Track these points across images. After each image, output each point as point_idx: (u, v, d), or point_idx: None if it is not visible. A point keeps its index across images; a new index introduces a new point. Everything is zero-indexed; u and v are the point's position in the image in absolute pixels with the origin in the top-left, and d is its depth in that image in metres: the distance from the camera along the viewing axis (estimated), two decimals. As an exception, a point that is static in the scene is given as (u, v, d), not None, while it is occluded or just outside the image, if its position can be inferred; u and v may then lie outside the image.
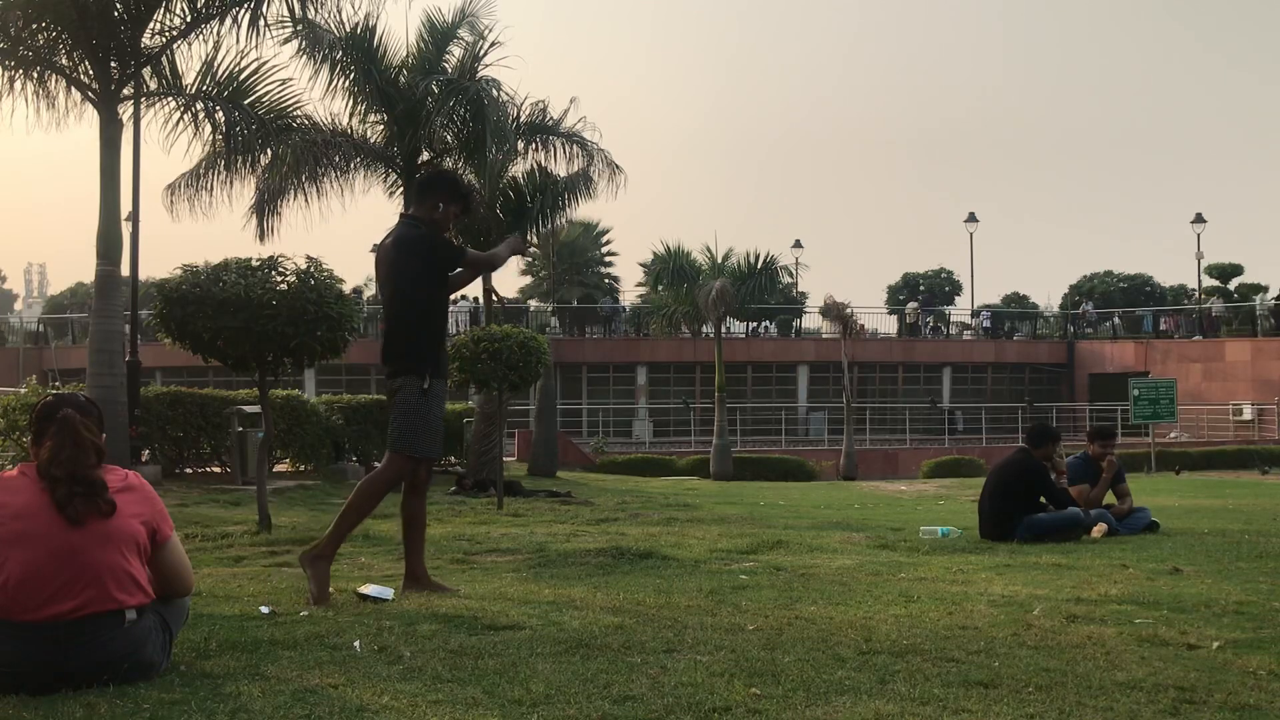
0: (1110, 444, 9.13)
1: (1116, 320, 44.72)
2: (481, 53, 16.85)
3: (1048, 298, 57.52)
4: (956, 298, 53.51)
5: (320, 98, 17.31)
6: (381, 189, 17.60)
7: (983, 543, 8.01)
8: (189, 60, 12.69)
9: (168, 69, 12.67)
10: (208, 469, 15.78)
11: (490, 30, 16.94)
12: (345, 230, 34.78)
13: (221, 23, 12.17)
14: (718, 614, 4.81)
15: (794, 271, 38.71)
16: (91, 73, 12.06)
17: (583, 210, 37.07)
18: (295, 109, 13.84)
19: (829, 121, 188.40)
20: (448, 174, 6.09)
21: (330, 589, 5.20)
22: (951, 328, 45.56)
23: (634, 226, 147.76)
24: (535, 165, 19.03)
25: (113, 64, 12.04)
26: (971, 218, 45.97)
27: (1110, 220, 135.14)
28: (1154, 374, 34.47)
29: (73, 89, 12.35)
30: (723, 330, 28.51)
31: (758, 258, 27.07)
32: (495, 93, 16.07)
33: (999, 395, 39.60)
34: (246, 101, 12.87)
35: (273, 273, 8.77)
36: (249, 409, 14.23)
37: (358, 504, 5.36)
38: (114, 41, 11.99)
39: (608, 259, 55.62)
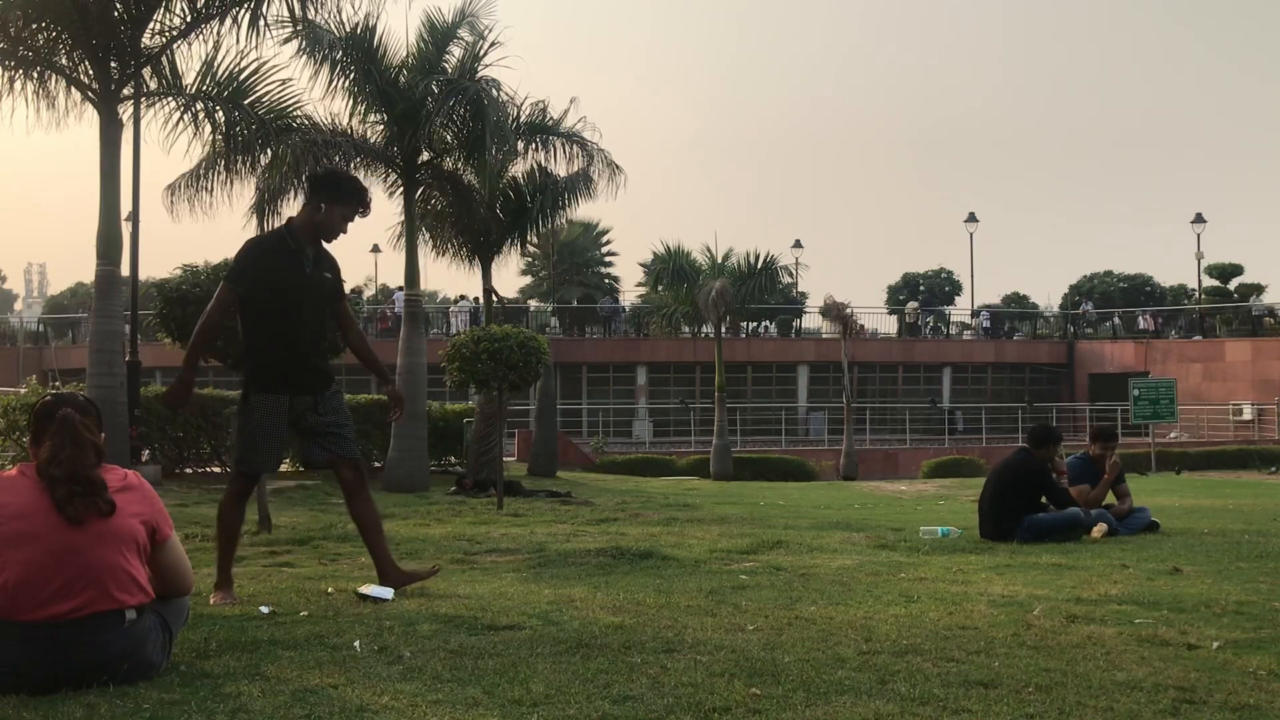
0: (1111, 445, 9.12)
1: (1116, 320, 44.73)
2: (481, 53, 16.84)
3: (1048, 298, 57.62)
4: (956, 298, 53.57)
5: (320, 98, 17.31)
6: (381, 189, 17.59)
7: (983, 543, 8.01)
8: (189, 60, 12.71)
9: (168, 69, 12.67)
10: (208, 469, 15.79)
11: (490, 30, 16.93)
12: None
13: (221, 23, 12.17)
14: (718, 614, 4.81)
15: (794, 271, 38.72)
16: (91, 73, 12.06)
17: (583, 210, 37.21)
18: (295, 109, 13.84)
19: (829, 121, 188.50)
20: (336, 173, 5.94)
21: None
22: (951, 328, 45.59)
23: (634, 226, 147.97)
24: (535, 165, 19.04)
25: (113, 64, 12.04)
26: (971, 218, 45.99)
27: (1110, 220, 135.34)
28: (1154, 374, 34.47)
29: (73, 89, 12.35)
30: (723, 330, 28.49)
31: (758, 258, 27.07)
32: (495, 93, 16.07)
33: (999, 395, 39.60)
34: (246, 101, 12.87)
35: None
36: (249, 409, 14.21)
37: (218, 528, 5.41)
38: (114, 41, 11.99)
39: (608, 259, 55.66)
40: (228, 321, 5.34)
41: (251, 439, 5.24)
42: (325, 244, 5.36)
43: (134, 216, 15.68)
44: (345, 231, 5.37)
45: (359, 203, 5.41)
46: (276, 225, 6.55)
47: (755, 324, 41.01)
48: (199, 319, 5.27)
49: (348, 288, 6.97)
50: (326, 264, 5.36)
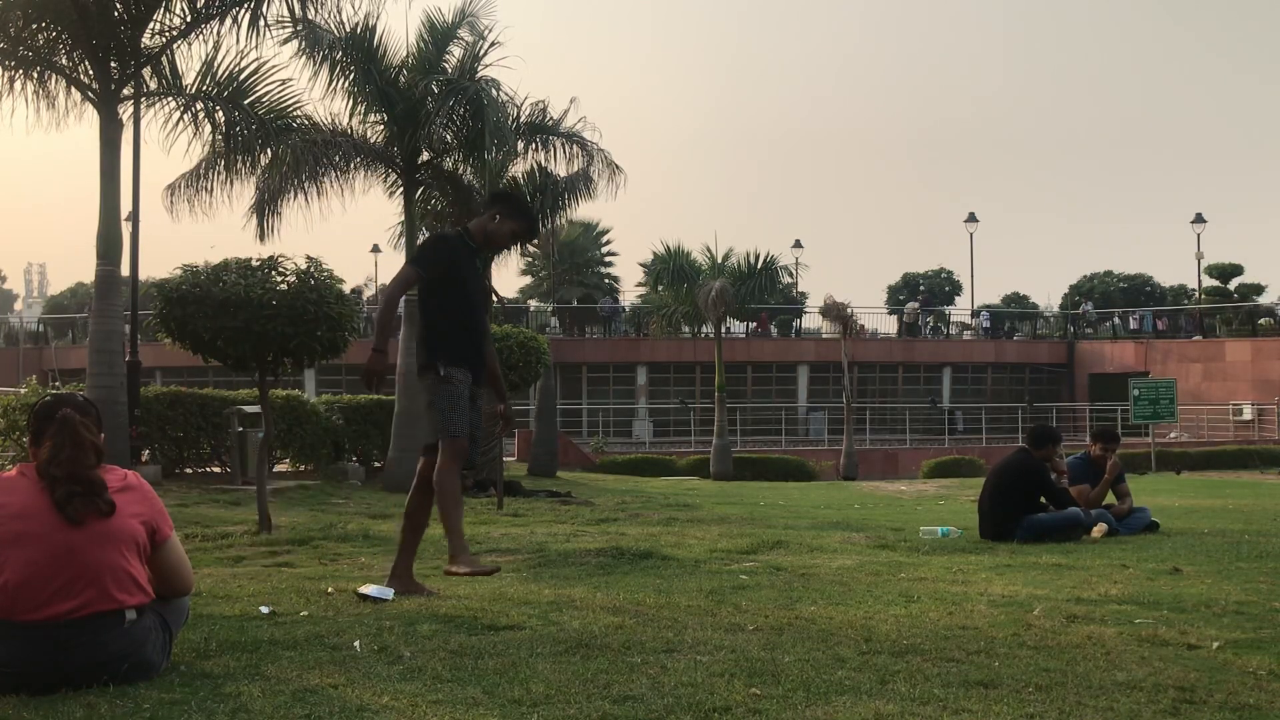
0: (1112, 447, 9.11)
1: (1116, 320, 44.74)
2: (481, 53, 16.84)
3: (1048, 298, 57.61)
4: (956, 298, 53.56)
5: (320, 98, 17.26)
6: (381, 189, 17.59)
7: (983, 543, 8.01)
8: (189, 60, 12.71)
9: (168, 69, 12.67)
10: (208, 469, 15.78)
11: (490, 30, 16.92)
12: (345, 230, 34.84)
13: (221, 23, 12.18)
14: (718, 614, 4.81)
15: (794, 271, 38.73)
16: (91, 73, 12.06)
17: (583, 210, 37.06)
18: (295, 109, 13.82)
19: (829, 121, 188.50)
20: (518, 196, 6.10)
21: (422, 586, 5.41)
22: (951, 328, 45.58)
23: (634, 226, 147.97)
24: (535, 165, 19.01)
25: (113, 64, 12.04)
26: (971, 218, 45.98)
27: (1110, 220, 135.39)
28: (1154, 374, 34.48)
29: (73, 89, 12.36)
30: (723, 330, 28.50)
31: (758, 258, 27.08)
32: (495, 93, 16.06)
33: (999, 395, 39.59)
34: (246, 101, 12.86)
35: (273, 273, 8.77)
36: (249, 409, 14.22)
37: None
38: (114, 41, 11.99)
39: (608, 259, 55.63)
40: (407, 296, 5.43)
41: (456, 405, 5.37)
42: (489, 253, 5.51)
43: (134, 216, 15.68)
44: (508, 248, 5.59)
45: (530, 228, 5.70)
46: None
47: (755, 324, 40.99)
48: (380, 298, 5.45)
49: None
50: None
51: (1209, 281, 42.83)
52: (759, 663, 3.80)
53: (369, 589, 5.21)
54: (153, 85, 12.81)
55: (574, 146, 18.37)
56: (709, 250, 27.30)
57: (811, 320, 42.98)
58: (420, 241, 5.64)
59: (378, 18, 16.14)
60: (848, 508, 13.63)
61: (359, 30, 15.80)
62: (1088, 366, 40.27)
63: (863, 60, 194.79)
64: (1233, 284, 42.39)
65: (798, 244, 45.49)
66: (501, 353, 12.56)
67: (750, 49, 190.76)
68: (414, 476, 5.60)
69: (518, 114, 17.55)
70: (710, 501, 14.61)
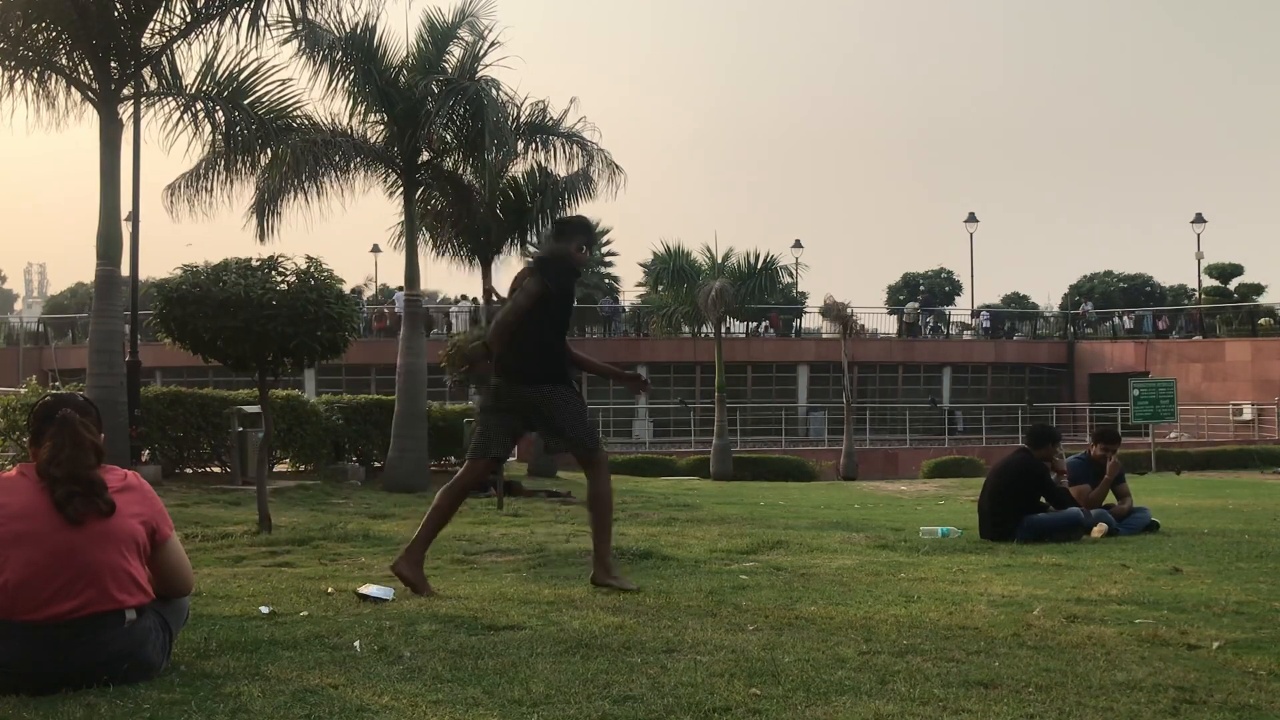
0: (1113, 447, 9.10)
1: (1116, 320, 44.74)
2: (481, 53, 16.84)
3: (1048, 298, 57.68)
4: (956, 298, 53.62)
5: (320, 98, 17.25)
6: (381, 189, 17.60)
7: (983, 543, 8.01)
8: (189, 60, 12.72)
9: (168, 69, 12.68)
10: (208, 469, 15.78)
11: (490, 30, 16.93)
12: (345, 230, 34.85)
13: (221, 23, 12.18)
14: (718, 614, 4.80)
15: (794, 271, 38.73)
16: (91, 73, 12.07)
17: (583, 210, 36.97)
18: (295, 109, 13.83)
19: (829, 121, 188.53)
20: (573, 221, 6.27)
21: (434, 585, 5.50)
22: (951, 328, 45.57)
23: (634, 226, 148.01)
24: (535, 165, 19.04)
25: (113, 64, 12.04)
26: (971, 218, 46.00)
27: (1110, 220, 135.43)
28: (1154, 374, 34.46)
29: (73, 89, 12.35)
30: (723, 330, 28.48)
31: (758, 258, 27.05)
32: (495, 93, 16.06)
33: (999, 395, 39.57)
34: (246, 101, 12.86)
35: (273, 273, 8.76)
36: (249, 409, 14.23)
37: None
38: (114, 41, 12.00)
39: (608, 259, 55.64)
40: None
41: (586, 416, 5.72)
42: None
43: (134, 216, 15.67)
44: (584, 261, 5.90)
45: (591, 237, 6.02)
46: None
47: (755, 324, 40.99)
48: (508, 311, 5.60)
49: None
50: None
51: (1209, 281, 42.86)
52: (759, 663, 3.80)
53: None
54: (153, 85, 12.81)
55: (574, 146, 18.38)
56: (709, 250, 27.30)
57: (811, 320, 43.02)
58: (537, 257, 5.82)
59: (378, 18, 16.16)
60: (848, 508, 13.63)
61: (359, 30, 15.81)
62: (1088, 366, 40.26)
63: (862, 60, 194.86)
64: (1233, 284, 42.43)
65: (798, 244, 45.56)
66: (501, 353, 12.53)
67: (750, 49, 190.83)
68: (461, 477, 5.65)
69: (518, 114, 17.56)
70: (710, 501, 14.61)
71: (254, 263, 8.85)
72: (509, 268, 20.16)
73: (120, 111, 12.32)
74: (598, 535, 5.62)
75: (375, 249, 49.37)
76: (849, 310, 31.09)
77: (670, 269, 27.09)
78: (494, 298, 20.32)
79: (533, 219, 19.36)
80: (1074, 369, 40.73)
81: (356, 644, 4.08)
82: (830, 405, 36.12)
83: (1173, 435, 31.22)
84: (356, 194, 17.10)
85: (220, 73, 12.67)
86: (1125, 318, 42.99)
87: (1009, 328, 46.13)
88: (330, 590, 5.41)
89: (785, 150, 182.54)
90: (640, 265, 47.85)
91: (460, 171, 18.18)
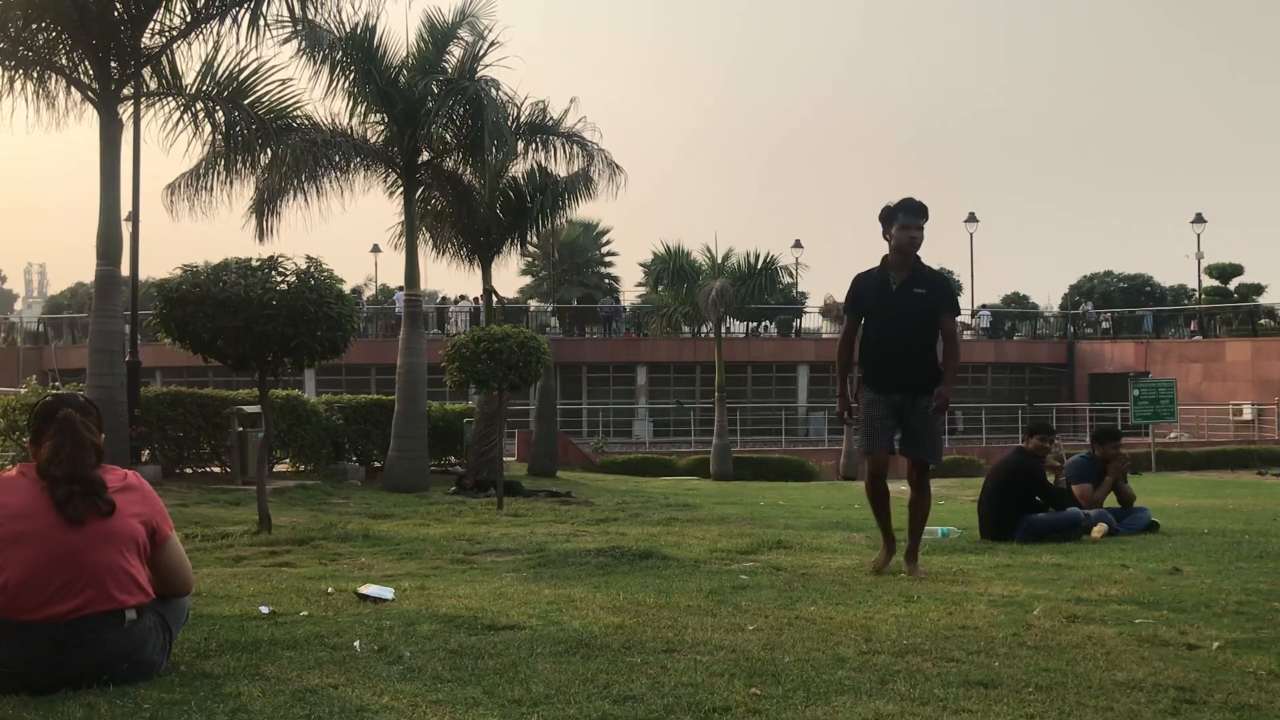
0: (1116, 446, 9.09)
1: (1115, 316, 44.70)
2: (481, 53, 16.85)
3: (1048, 298, 57.63)
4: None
5: (320, 98, 17.26)
6: (381, 189, 17.60)
7: (983, 543, 8.01)
8: (189, 60, 12.72)
9: (168, 69, 12.68)
10: (208, 469, 15.77)
11: (490, 30, 16.94)
12: (345, 230, 34.85)
13: (221, 23, 12.18)
14: (718, 614, 4.80)
15: (794, 271, 38.71)
16: (91, 73, 12.06)
17: (583, 210, 37.08)
18: (295, 109, 13.83)
19: (829, 121, 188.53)
20: (892, 204, 6.47)
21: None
22: (951, 327, 45.45)
23: (634, 226, 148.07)
24: (535, 165, 19.03)
25: (113, 64, 12.04)
26: (971, 218, 45.96)
27: (1110, 220, 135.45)
28: (1154, 374, 34.44)
29: (73, 89, 12.35)
30: (723, 330, 28.47)
31: (758, 258, 27.03)
32: (494, 93, 16.07)
33: (999, 395, 39.55)
34: (246, 101, 12.87)
35: (273, 273, 8.75)
36: (249, 409, 14.22)
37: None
38: (114, 41, 12.00)
39: (608, 259, 55.61)
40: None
41: (867, 424, 6.28)
42: (913, 262, 6.22)
43: (134, 216, 15.67)
44: (915, 239, 6.19)
45: (901, 208, 6.24)
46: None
47: (755, 324, 40.98)
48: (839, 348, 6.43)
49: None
50: (920, 282, 6.23)
51: (1209, 281, 42.83)
52: (759, 663, 3.80)
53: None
54: (153, 85, 12.81)
55: (574, 146, 18.39)
56: (709, 250, 27.28)
57: (811, 320, 43.03)
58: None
59: (378, 18, 16.18)
60: (848, 508, 13.61)
61: (359, 30, 15.81)
62: (1088, 366, 40.25)
63: (863, 60, 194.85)
64: (1233, 284, 42.39)
65: (798, 244, 45.49)
66: (501, 353, 12.55)
67: (750, 49, 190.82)
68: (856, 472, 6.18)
69: (518, 114, 17.56)
70: (710, 501, 14.60)
71: (254, 263, 8.84)
72: (509, 268, 20.18)
73: (120, 111, 12.32)
74: (917, 528, 6.39)
75: (375, 249, 49.37)
76: (849, 310, 31.02)
77: (670, 269, 27.08)
78: (495, 297, 20.37)
79: (533, 219, 19.35)
80: (1074, 369, 40.71)
81: (356, 644, 4.08)
82: (830, 405, 36.08)
83: (1173, 435, 31.21)
84: (356, 194, 17.13)
85: (220, 73, 12.67)
86: (1147, 318, 42.68)
87: (1009, 327, 46.10)
88: (330, 590, 5.41)
89: (786, 150, 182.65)
90: (640, 265, 47.91)
91: (460, 171, 18.18)
